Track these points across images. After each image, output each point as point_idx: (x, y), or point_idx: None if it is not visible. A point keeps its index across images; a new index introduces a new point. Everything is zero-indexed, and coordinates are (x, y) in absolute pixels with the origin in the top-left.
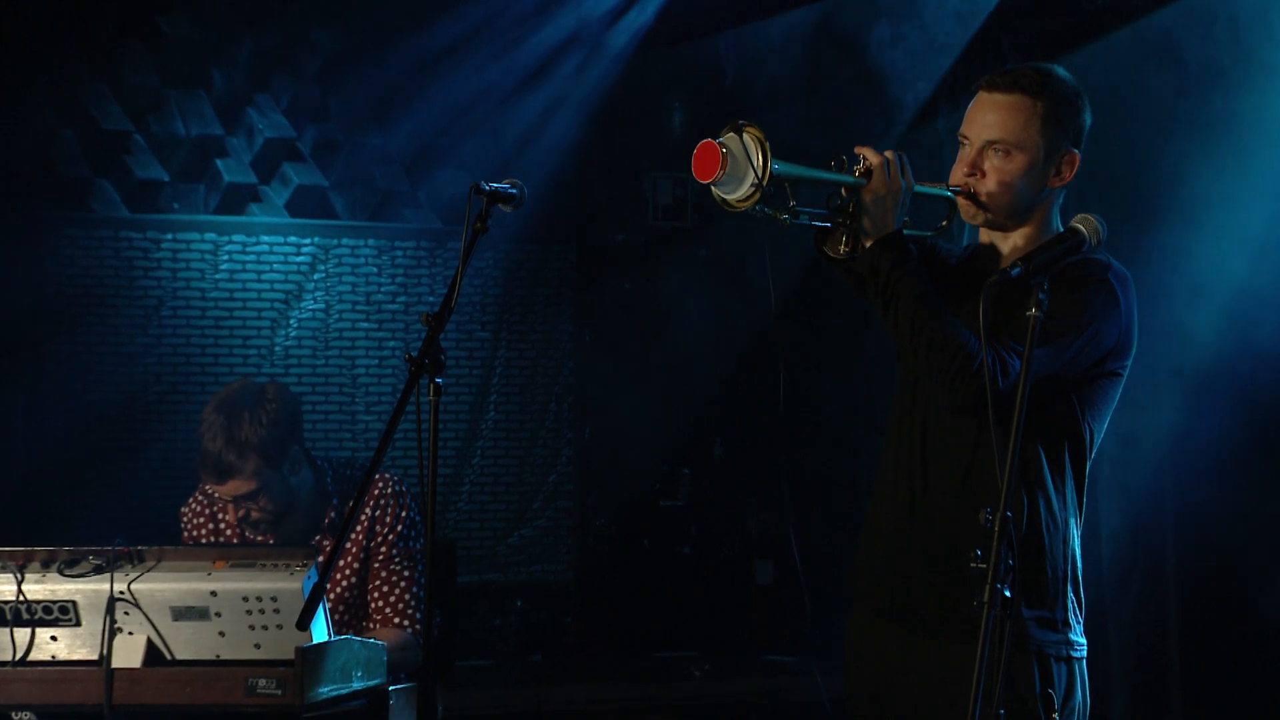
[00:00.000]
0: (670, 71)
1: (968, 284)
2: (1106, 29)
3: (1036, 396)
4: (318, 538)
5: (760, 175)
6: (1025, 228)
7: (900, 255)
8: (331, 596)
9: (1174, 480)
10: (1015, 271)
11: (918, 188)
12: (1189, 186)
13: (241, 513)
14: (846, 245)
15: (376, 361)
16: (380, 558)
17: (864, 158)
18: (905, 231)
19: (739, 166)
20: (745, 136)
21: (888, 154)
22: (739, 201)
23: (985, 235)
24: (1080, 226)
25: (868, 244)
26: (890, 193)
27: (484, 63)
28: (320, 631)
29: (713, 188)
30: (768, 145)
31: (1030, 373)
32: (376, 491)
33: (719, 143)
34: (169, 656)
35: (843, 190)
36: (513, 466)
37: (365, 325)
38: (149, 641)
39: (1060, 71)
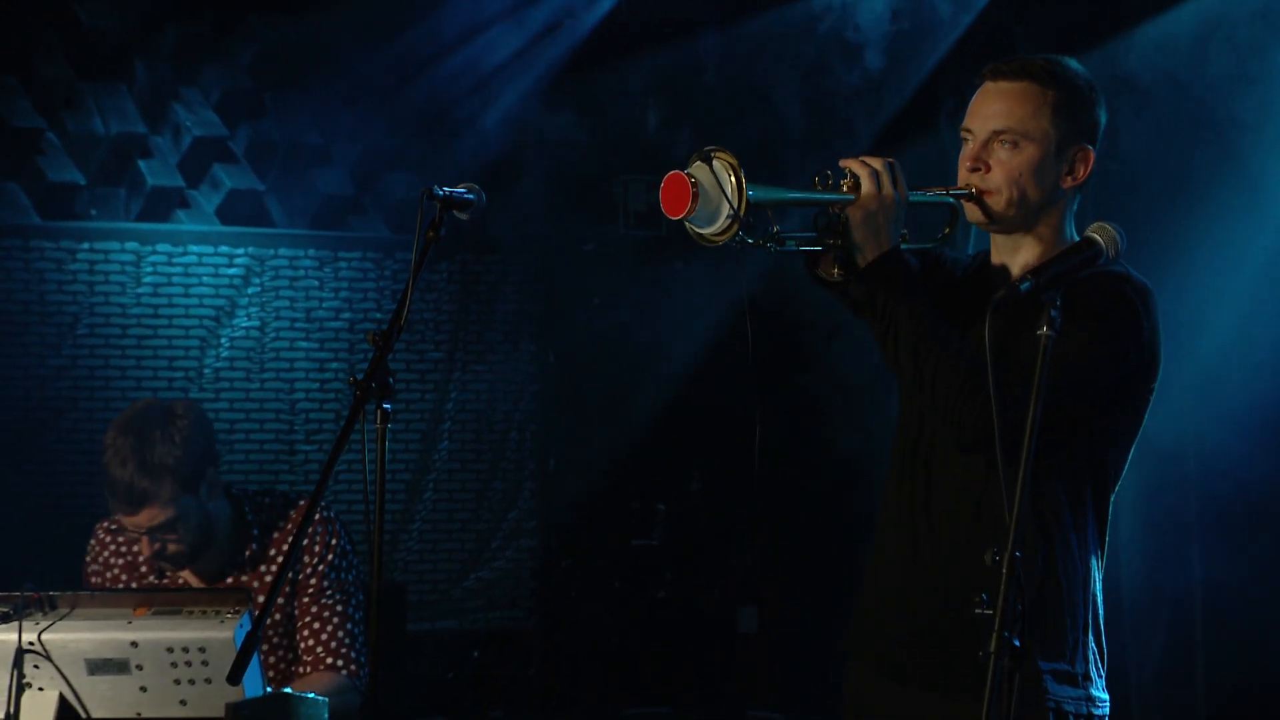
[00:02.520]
0: (643, 64)
1: (977, 298)
2: (1137, 19)
3: (1052, 425)
4: (235, 574)
5: (735, 205)
6: (1037, 234)
7: (898, 277)
8: (260, 644)
9: (1200, 517)
10: (1025, 286)
11: (913, 197)
12: (1214, 199)
13: (156, 546)
14: (840, 268)
15: (317, 385)
16: (310, 591)
17: (849, 171)
18: (903, 246)
19: (711, 198)
20: (716, 164)
21: (875, 163)
22: (715, 235)
23: (995, 247)
24: (1096, 236)
25: (862, 266)
26: (881, 207)
27: (438, 54)
28: (254, 685)
29: (686, 223)
30: (741, 172)
31: (1042, 399)
32: (302, 519)
33: (687, 174)
34: (84, 715)
35: (831, 208)
36: (469, 502)
37: (305, 345)
38: (61, 698)
39: (1072, 63)
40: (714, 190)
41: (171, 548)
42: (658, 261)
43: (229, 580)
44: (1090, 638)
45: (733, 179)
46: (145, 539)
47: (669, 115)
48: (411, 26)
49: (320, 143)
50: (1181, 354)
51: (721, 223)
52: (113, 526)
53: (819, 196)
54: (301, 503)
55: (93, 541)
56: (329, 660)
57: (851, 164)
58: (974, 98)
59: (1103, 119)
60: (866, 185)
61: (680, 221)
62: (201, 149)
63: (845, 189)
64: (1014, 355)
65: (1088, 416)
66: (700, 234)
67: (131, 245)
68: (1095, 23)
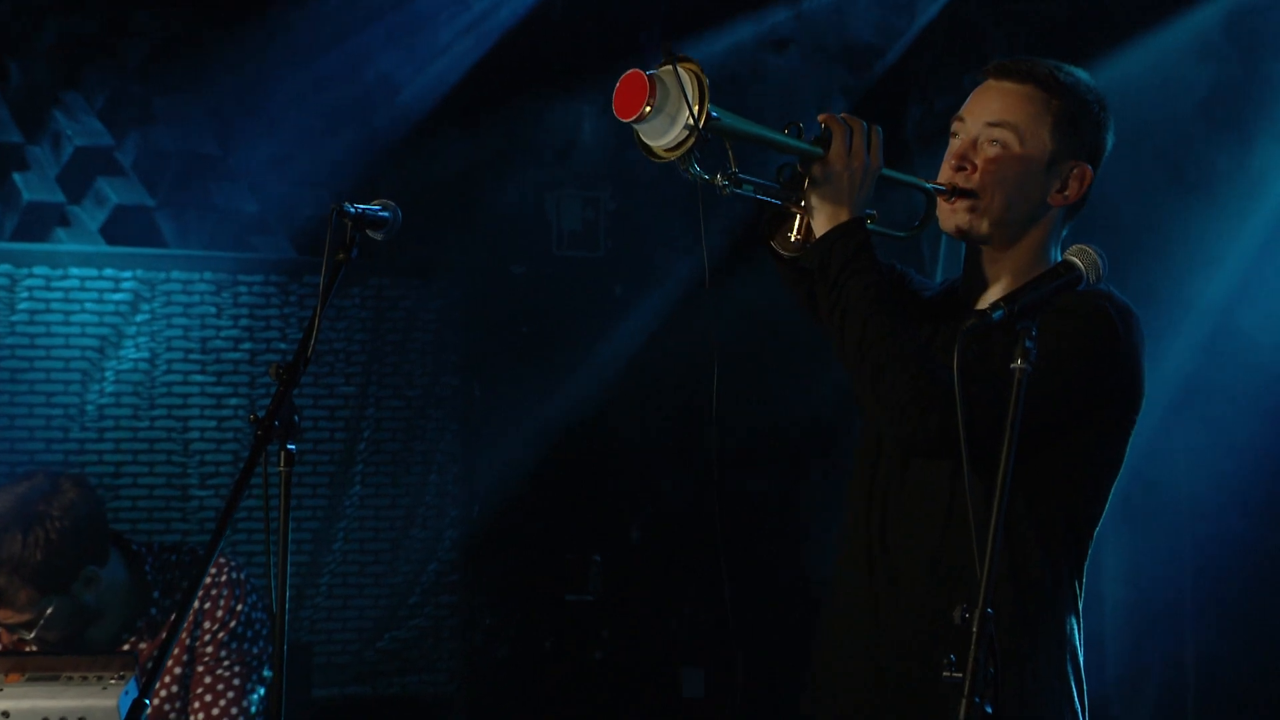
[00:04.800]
0: (577, 67)
1: (944, 318)
2: (1133, 28)
3: (1020, 452)
4: (131, 639)
5: (696, 118)
6: (1016, 251)
7: (855, 249)
8: (148, 712)
9: (1193, 581)
10: (997, 315)
11: (887, 172)
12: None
13: (14, 637)
14: (799, 234)
15: (214, 424)
16: (205, 660)
17: (823, 125)
18: (870, 226)
19: (670, 105)
20: (681, 71)
21: (852, 122)
22: (666, 150)
23: (968, 261)
24: (1076, 259)
25: (818, 231)
26: (848, 169)
27: (350, 57)
28: None
29: (636, 129)
30: (706, 83)
31: (1016, 436)
32: (208, 580)
33: (650, 75)
34: None
35: (798, 166)
36: (383, 553)
37: (200, 379)
38: None
39: (1084, 75)
40: (675, 96)
41: (30, 648)
42: (594, 285)
43: (124, 647)
44: (1067, 701)
45: (696, 89)
46: (3, 630)
47: (605, 127)
48: (321, 27)
49: (218, 153)
50: (1179, 405)
51: (676, 134)
52: None
53: (785, 140)
54: (220, 559)
55: None
56: None
57: (828, 118)
58: (972, 94)
59: (1108, 143)
60: (837, 143)
61: (630, 126)
62: (84, 160)
63: (816, 143)
64: (978, 377)
65: (1055, 443)
66: (650, 146)
67: (5, 268)
68: (1078, 23)
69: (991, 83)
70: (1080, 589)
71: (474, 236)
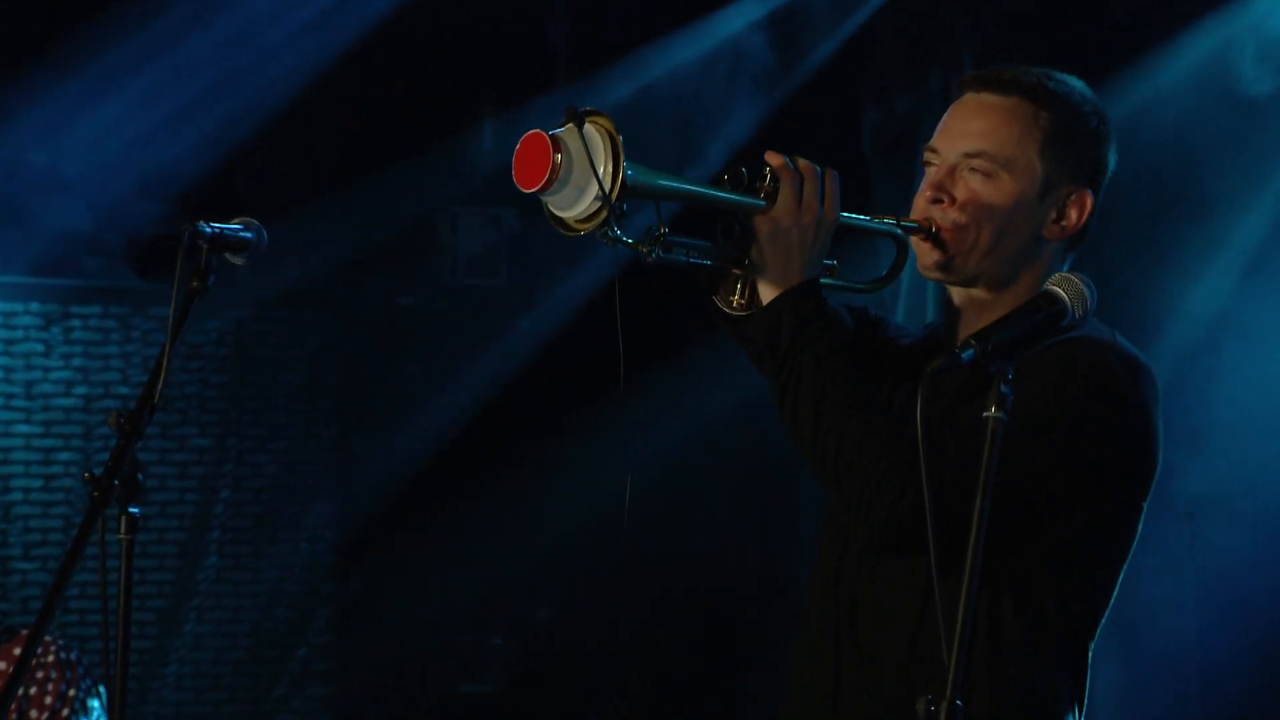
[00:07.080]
0: (478, 61)
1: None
2: (1137, 45)
3: (1000, 532)
4: None
5: (606, 186)
6: (1008, 296)
7: (807, 317)
8: None
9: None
10: (966, 355)
11: (846, 219)
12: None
13: None
14: (742, 296)
15: (41, 483)
16: None
17: (768, 170)
18: (826, 281)
19: (578, 171)
20: (589, 129)
21: (804, 167)
22: (579, 222)
23: (953, 306)
24: (1058, 290)
25: (765, 297)
26: (798, 225)
27: (206, 43)
28: None
29: (544, 202)
30: (620, 142)
31: (989, 495)
32: (34, 663)
33: (552, 136)
34: None
35: (738, 222)
36: (243, 637)
37: (24, 429)
38: None
39: (1078, 84)
40: (582, 162)
41: None
42: (496, 319)
43: None
44: None
45: (608, 150)
46: None
47: (511, 134)
48: (173, 12)
49: (47, 160)
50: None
51: (587, 205)
52: None
53: (719, 195)
54: (46, 638)
55: None
56: None
57: (776, 162)
58: (948, 111)
59: (1110, 162)
60: (785, 193)
61: (535, 197)
62: None
63: (760, 193)
64: (948, 438)
65: (1051, 524)
66: (560, 218)
67: None
68: (1058, 14)
69: (970, 96)
70: (1081, 705)
71: (354, 261)
